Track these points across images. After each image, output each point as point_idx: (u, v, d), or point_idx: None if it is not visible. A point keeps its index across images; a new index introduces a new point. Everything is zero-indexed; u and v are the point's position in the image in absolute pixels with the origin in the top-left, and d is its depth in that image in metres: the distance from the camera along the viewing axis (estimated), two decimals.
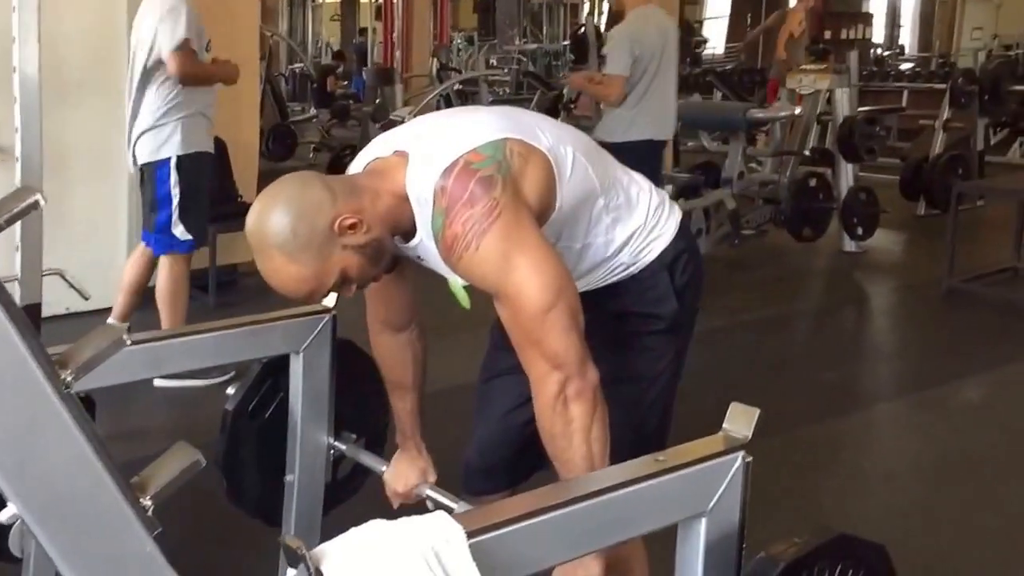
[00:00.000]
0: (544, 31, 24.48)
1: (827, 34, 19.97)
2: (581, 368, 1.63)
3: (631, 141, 5.00)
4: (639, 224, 1.93)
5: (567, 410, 1.63)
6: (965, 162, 7.63)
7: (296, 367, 2.27)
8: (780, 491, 3.24)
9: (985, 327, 5.29)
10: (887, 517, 3.18)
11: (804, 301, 6.01)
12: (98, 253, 5.45)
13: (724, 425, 1.47)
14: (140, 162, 4.23)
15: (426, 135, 1.78)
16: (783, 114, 6.79)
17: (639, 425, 1.96)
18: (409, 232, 1.75)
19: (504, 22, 21.77)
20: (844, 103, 6.89)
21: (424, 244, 1.74)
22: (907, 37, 24.18)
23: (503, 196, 1.64)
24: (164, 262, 4.21)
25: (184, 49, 4.06)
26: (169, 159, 4.13)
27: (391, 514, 1.23)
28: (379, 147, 1.84)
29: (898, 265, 6.94)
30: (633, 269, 1.95)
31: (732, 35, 22.53)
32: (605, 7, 27.92)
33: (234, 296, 5.91)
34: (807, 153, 6.95)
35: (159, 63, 4.11)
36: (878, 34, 21.94)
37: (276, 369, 2.31)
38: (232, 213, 5.84)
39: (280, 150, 10.38)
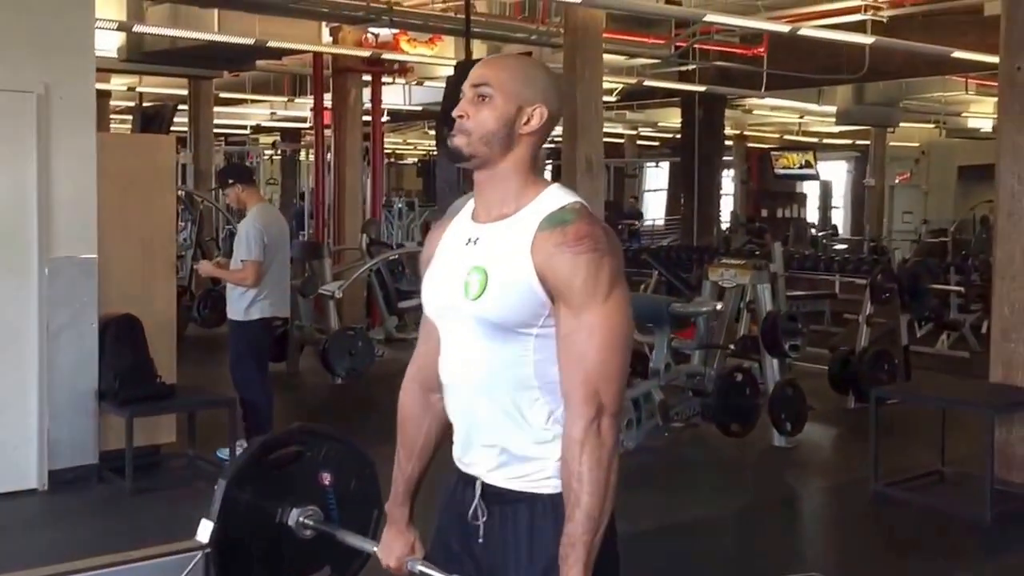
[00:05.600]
0: None
1: (763, 212, 20.69)
2: (617, 413, 1.85)
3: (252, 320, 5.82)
4: None
5: (600, 434, 1.83)
6: (890, 357, 7.68)
7: None
8: None
9: (911, 536, 5.24)
10: None
11: (732, 501, 5.88)
12: (5, 435, 5.28)
13: None
14: None
15: None
16: (704, 309, 6.76)
17: None
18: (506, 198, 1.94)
19: (444, 188, 21.91)
20: (766, 299, 6.92)
21: (509, 223, 1.91)
22: (840, 218, 24.97)
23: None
24: None
25: None
26: None
27: None
28: None
29: (827, 463, 6.89)
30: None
31: (671, 208, 23.06)
32: (547, 172, 28.66)
33: (156, 480, 5.73)
34: (732, 347, 6.96)
35: None
36: (812, 214, 22.61)
37: None
38: (150, 395, 5.67)
39: (212, 316, 10.25)
